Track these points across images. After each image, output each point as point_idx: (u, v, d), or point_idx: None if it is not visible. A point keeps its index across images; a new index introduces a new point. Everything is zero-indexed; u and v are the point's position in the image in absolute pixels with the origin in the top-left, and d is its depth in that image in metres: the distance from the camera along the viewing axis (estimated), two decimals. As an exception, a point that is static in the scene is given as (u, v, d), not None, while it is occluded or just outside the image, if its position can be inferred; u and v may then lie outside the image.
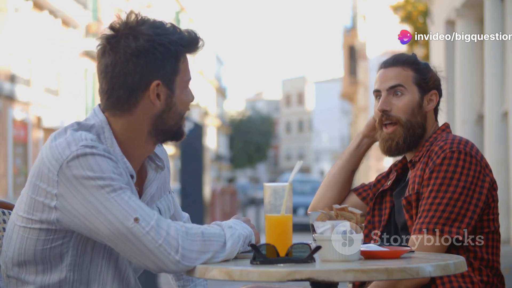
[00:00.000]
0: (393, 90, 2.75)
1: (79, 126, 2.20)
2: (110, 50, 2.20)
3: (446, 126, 2.81)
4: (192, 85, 2.35)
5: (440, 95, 2.82)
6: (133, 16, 2.22)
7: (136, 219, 2.06)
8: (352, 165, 2.96)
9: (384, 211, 2.85)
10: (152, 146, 2.30)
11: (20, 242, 2.19)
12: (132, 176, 2.23)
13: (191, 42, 2.25)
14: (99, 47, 2.23)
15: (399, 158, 2.92)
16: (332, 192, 2.96)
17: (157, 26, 2.22)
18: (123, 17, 2.22)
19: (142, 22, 2.22)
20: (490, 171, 2.66)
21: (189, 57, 2.32)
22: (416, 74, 2.76)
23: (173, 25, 2.25)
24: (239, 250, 2.15)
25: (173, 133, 2.28)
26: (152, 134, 2.26)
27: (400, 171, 2.87)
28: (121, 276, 2.26)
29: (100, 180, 2.08)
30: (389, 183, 2.86)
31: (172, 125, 2.26)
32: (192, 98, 2.32)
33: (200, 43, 2.28)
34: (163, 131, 2.26)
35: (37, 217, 2.15)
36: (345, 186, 2.97)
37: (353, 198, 2.97)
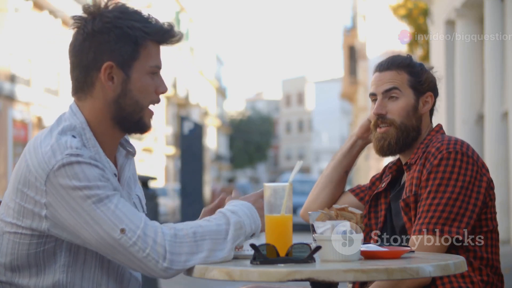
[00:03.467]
0: (388, 93, 2.76)
1: (63, 130, 2.18)
2: (75, 30, 2.24)
3: (440, 127, 2.81)
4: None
5: (436, 96, 2.82)
6: (105, 2, 2.24)
7: (122, 230, 2.06)
8: (345, 166, 2.97)
9: (380, 213, 2.85)
10: (119, 132, 2.28)
11: (12, 247, 2.18)
12: (114, 174, 2.23)
13: (158, 31, 2.24)
14: (70, 28, 2.27)
15: (393, 160, 2.92)
16: (325, 192, 2.97)
17: (123, 12, 2.23)
18: (98, 1, 2.24)
19: (110, 7, 2.24)
20: (487, 170, 2.67)
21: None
22: (411, 77, 2.76)
23: (150, 16, 2.26)
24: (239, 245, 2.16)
25: (134, 123, 2.26)
26: (115, 121, 2.25)
27: (395, 173, 2.87)
28: (115, 275, 2.26)
29: (86, 190, 2.08)
30: (383, 185, 2.86)
31: (130, 112, 2.24)
32: (163, 89, 2.28)
33: (175, 35, 2.27)
34: (123, 119, 2.24)
35: (26, 224, 2.15)
36: (338, 186, 2.97)
37: (350, 198, 2.97)
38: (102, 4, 2.24)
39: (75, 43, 2.24)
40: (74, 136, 2.17)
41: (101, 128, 2.25)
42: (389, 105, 2.76)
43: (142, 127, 2.28)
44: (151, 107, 2.28)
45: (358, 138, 2.97)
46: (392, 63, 2.78)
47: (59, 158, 2.10)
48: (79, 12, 2.25)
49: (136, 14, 2.24)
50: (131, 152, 2.37)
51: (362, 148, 2.98)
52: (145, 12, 2.26)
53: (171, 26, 2.27)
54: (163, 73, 2.32)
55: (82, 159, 2.10)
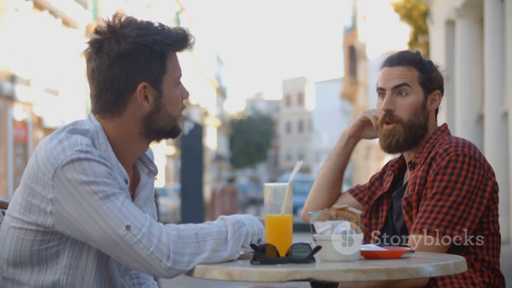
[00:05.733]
0: (398, 89, 2.73)
1: (75, 130, 2.19)
2: (95, 54, 2.20)
3: (446, 127, 2.80)
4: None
5: (443, 94, 2.82)
6: (117, 19, 2.21)
7: (128, 227, 2.06)
8: (340, 165, 2.96)
9: (381, 214, 2.83)
10: (145, 145, 2.29)
11: (16, 243, 2.19)
12: (126, 181, 2.23)
13: (178, 40, 2.23)
14: (85, 52, 2.23)
15: (393, 159, 2.91)
16: (322, 194, 2.96)
17: (141, 27, 2.20)
18: (109, 19, 2.21)
19: (126, 24, 2.20)
20: (493, 174, 2.66)
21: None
22: (421, 74, 2.74)
23: (161, 25, 2.23)
24: (245, 247, 2.15)
25: (168, 132, 2.27)
26: (143, 134, 2.25)
27: (397, 172, 2.86)
28: (111, 283, 2.27)
29: (93, 185, 2.08)
30: (388, 185, 2.85)
31: (163, 126, 2.24)
32: (186, 95, 2.30)
33: (191, 40, 2.26)
34: (155, 132, 2.25)
35: (32, 220, 2.15)
36: (335, 186, 2.97)
37: (349, 198, 2.96)
38: (115, 21, 2.20)
39: (100, 67, 2.19)
40: (84, 136, 2.18)
41: (125, 144, 2.25)
42: (398, 101, 2.73)
43: (176, 133, 2.29)
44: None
45: (350, 137, 2.96)
46: (403, 59, 2.75)
47: (69, 154, 2.10)
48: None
49: (152, 26, 2.22)
50: (153, 171, 2.37)
51: (354, 145, 2.97)
52: (155, 22, 2.24)
53: (185, 32, 2.25)
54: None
55: (91, 156, 2.11)
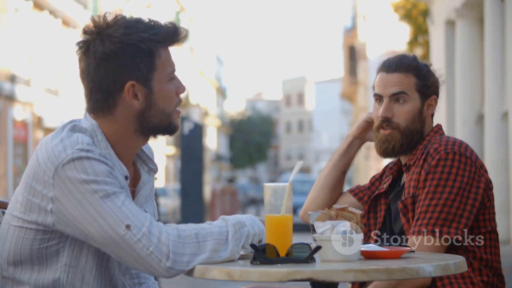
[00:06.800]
0: (396, 97, 2.73)
1: (76, 128, 2.20)
2: (83, 55, 2.21)
3: (439, 127, 2.79)
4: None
5: (438, 98, 2.82)
6: (103, 18, 2.20)
7: (128, 226, 2.06)
8: (343, 166, 2.96)
9: (379, 214, 2.84)
10: (142, 141, 2.29)
11: (16, 241, 2.19)
12: (126, 177, 2.23)
13: (167, 36, 2.22)
14: (76, 53, 2.23)
15: (393, 160, 2.91)
16: (323, 194, 2.96)
17: (127, 26, 2.19)
18: (95, 19, 2.21)
19: (112, 24, 2.19)
20: (486, 171, 2.66)
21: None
22: (418, 80, 2.73)
23: (151, 21, 2.22)
24: (245, 247, 2.15)
25: (163, 129, 2.26)
26: (139, 132, 2.25)
27: (396, 174, 2.86)
28: (112, 282, 2.27)
29: (94, 184, 2.08)
30: (385, 186, 2.85)
31: (157, 122, 2.24)
32: (182, 89, 2.28)
33: (182, 34, 2.25)
34: (150, 129, 2.25)
35: (32, 219, 2.15)
36: (337, 187, 2.96)
37: (349, 198, 2.96)
38: (102, 21, 2.19)
39: (88, 68, 2.19)
40: (85, 135, 2.18)
41: (122, 141, 2.25)
42: (396, 108, 2.73)
43: (172, 130, 2.28)
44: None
45: (355, 138, 2.95)
46: (401, 65, 2.73)
47: (69, 152, 2.10)
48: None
49: (140, 23, 2.21)
50: (152, 169, 2.38)
51: (359, 147, 2.97)
52: (145, 17, 2.24)
53: (175, 26, 2.24)
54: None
55: (92, 155, 2.11)
